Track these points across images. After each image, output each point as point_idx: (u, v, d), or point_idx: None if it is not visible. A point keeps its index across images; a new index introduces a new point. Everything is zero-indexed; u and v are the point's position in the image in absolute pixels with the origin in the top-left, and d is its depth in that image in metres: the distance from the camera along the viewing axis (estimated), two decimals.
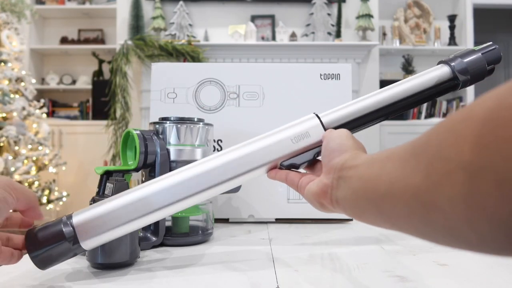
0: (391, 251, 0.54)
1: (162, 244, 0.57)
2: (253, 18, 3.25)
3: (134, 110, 3.05)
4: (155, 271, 0.46)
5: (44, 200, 2.68)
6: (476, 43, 3.25)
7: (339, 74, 0.75)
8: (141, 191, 0.42)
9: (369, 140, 3.04)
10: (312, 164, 0.45)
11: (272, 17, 3.27)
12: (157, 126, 0.59)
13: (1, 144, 2.45)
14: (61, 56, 3.65)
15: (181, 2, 3.14)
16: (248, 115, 0.74)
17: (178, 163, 0.57)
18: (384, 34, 3.36)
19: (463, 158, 0.19)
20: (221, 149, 0.74)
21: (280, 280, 0.43)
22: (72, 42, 3.54)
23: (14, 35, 2.69)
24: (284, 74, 0.75)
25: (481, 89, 3.10)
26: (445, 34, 3.39)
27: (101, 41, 3.56)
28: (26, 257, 0.40)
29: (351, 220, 0.73)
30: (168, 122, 0.58)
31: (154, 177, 0.44)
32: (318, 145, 0.44)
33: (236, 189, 0.56)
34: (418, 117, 3.37)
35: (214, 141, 0.74)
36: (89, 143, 3.21)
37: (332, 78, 0.75)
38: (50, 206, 2.74)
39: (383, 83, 3.11)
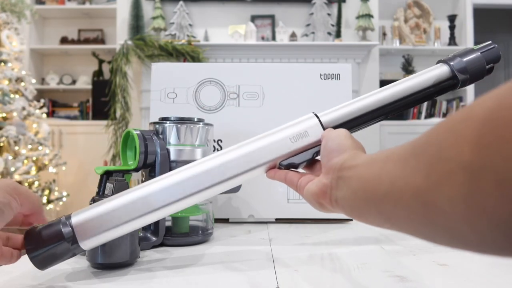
0: (391, 251, 0.54)
1: (162, 244, 0.57)
2: (253, 18, 3.25)
3: (134, 110, 3.05)
4: (155, 271, 0.46)
5: (44, 200, 2.68)
6: (476, 43, 3.24)
7: (339, 74, 0.75)
8: (140, 191, 0.42)
9: (369, 140, 3.04)
10: (311, 164, 0.45)
11: (272, 17, 3.27)
12: (157, 126, 0.59)
13: (1, 144, 2.45)
14: (61, 56, 3.65)
15: (181, 2, 3.14)
16: (248, 115, 0.74)
17: (178, 163, 0.57)
18: (384, 34, 3.36)
19: (463, 158, 0.19)
20: (221, 149, 0.74)
21: (280, 280, 0.43)
22: (72, 42, 3.54)
23: (14, 35, 2.69)
24: (284, 74, 0.75)
25: (481, 89, 3.10)
26: (445, 34, 3.39)
27: (101, 41, 3.56)
28: (26, 257, 0.40)
29: (351, 220, 0.73)
30: (168, 122, 0.58)
31: (154, 177, 0.44)
32: (317, 144, 0.44)
33: (236, 189, 0.56)
34: (418, 117, 3.37)
35: (214, 141, 0.74)
36: (89, 143, 3.21)
37: (332, 78, 0.75)
38: (50, 206, 2.74)
39: (383, 83, 3.11)
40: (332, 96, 0.74)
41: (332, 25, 3.18)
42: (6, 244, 0.39)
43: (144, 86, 3.09)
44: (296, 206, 0.73)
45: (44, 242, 0.40)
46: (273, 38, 3.22)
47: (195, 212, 0.60)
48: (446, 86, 0.46)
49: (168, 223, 0.60)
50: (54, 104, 3.60)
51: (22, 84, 2.65)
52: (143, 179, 0.62)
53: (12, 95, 2.54)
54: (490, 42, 0.46)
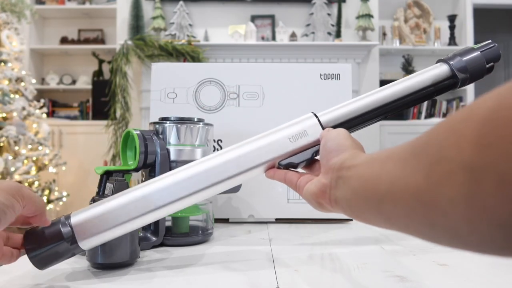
0: (391, 251, 0.54)
1: (162, 244, 0.57)
2: (253, 18, 3.25)
3: (134, 110, 3.05)
4: (155, 271, 0.46)
5: (44, 200, 2.68)
6: (476, 43, 3.23)
7: (339, 74, 0.75)
8: (140, 190, 0.42)
9: (369, 140, 3.04)
10: (311, 163, 0.45)
11: (272, 17, 3.27)
12: (157, 126, 0.59)
13: (1, 144, 2.45)
14: (61, 56, 3.65)
15: (181, 2, 3.14)
16: (248, 115, 0.74)
17: (178, 163, 0.57)
18: (384, 34, 3.36)
19: (463, 158, 0.19)
20: (221, 149, 0.73)
21: (280, 280, 0.43)
22: (72, 42, 3.54)
23: (14, 35, 2.69)
24: (284, 74, 0.75)
25: (481, 89, 3.10)
26: (445, 34, 3.39)
27: (101, 41, 3.56)
28: (26, 257, 0.40)
29: (351, 220, 0.73)
30: (168, 122, 0.58)
31: (154, 177, 0.44)
32: (316, 144, 0.44)
33: (236, 189, 0.56)
34: (418, 117, 3.37)
35: (214, 141, 0.74)
36: (89, 143, 3.21)
37: (332, 78, 0.75)
38: (50, 206, 2.74)
39: (383, 83, 3.10)
40: (332, 96, 0.74)
41: (332, 25, 3.18)
42: (7, 244, 0.39)
43: (144, 86, 3.09)
44: (296, 206, 0.73)
45: (44, 242, 0.40)
46: (273, 38, 3.22)
47: (195, 212, 0.60)
48: (446, 85, 0.46)
49: (168, 223, 0.60)
50: (54, 104, 3.60)
51: (22, 84, 2.65)
52: (143, 179, 0.62)
53: (12, 95, 2.54)
54: (490, 41, 0.46)
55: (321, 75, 0.75)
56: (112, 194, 0.45)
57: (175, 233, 0.59)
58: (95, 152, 3.07)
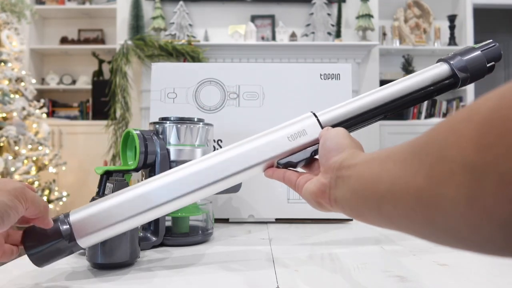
0: (391, 251, 0.54)
1: (162, 244, 0.57)
2: (253, 18, 3.25)
3: (134, 110, 3.05)
4: (155, 271, 0.46)
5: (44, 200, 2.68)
6: (476, 43, 3.23)
7: (339, 74, 0.75)
8: (138, 189, 0.42)
9: (369, 140, 3.04)
10: (310, 163, 0.45)
11: (272, 17, 3.27)
12: (157, 126, 0.59)
13: (1, 144, 2.45)
14: (61, 56, 3.65)
15: (181, 2, 3.14)
16: (248, 115, 0.74)
17: (178, 163, 0.57)
18: (384, 34, 3.36)
19: (464, 158, 0.19)
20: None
21: (280, 280, 0.43)
22: (72, 42, 3.54)
23: (14, 35, 2.69)
24: (284, 74, 0.75)
25: (481, 89, 3.10)
26: (445, 34, 3.39)
27: (101, 41, 3.56)
28: (26, 257, 0.40)
29: (351, 220, 0.73)
30: (168, 122, 0.58)
31: None
32: (315, 143, 0.44)
33: (236, 189, 0.56)
34: (418, 117, 3.37)
35: (214, 141, 0.74)
36: (89, 143, 3.21)
37: (332, 78, 0.75)
38: (50, 206, 2.74)
39: (383, 83, 3.10)
40: (332, 96, 0.74)
41: (332, 25, 3.18)
42: (7, 241, 0.39)
43: (144, 86, 3.09)
44: (296, 206, 0.73)
45: (42, 240, 0.40)
46: (273, 38, 3.22)
47: (195, 212, 0.60)
48: (446, 84, 0.46)
49: (168, 223, 0.60)
50: (54, 104, 3.60)
51: (22, 84, 2.65)
52: (143, 179, 0.62)
53: (12, 95, 2.54)
54: (491, 40, 0.46)
55: (321, 75, 0.75)
56: None
57: (175, 233, 0.59)
58: (95, 152, 3.07)
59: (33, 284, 0.42)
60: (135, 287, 0.42)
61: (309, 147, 0.44)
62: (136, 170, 0.55)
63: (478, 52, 0.45)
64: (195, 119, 0.59)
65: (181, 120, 0.58)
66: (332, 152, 0.38)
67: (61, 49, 3.52)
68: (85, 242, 0.41)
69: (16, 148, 2.49)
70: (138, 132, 0.56)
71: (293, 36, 3.19)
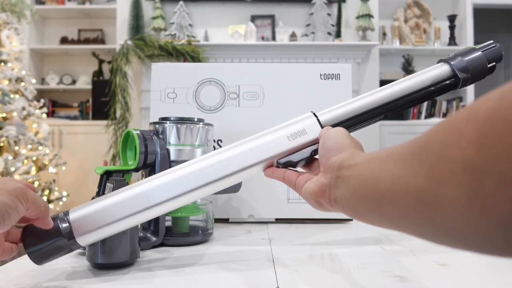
0: (391, 251, 0.54)
1: (162, 244, 0.57)
2: (253, 18, 3.25)
3: (134, 110, 3.05)
4: (155, 271, 0.46)
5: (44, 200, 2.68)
6: (476, 43, 3.23)
7: (339, 74, 0.75)
8: (138, 187, 0.42)
9: (369, 140, 3.04)
10: (310, 162, 0.45)
11: (272, 17, 3.27)
12: (157, 126, 0.59)
13: (1, 144, 2.45)
14: (61, 56, 3.65)
15: (181, 2, 3.14)
16: (248, 115, 0.74)
17: (178, 163, 0.57)
18: (384, 34, 3.36)
19: (465, 158, 0.19)
20: None
21: (280, 280, 0.43)
22: (72, 42, 3.54)
23: (14, 35, 2.69)
24: (284, 74, 0.75)
25: (481, 90, 3.10)
26: (445, 34, 3.39)
27: (101, 41, 3.56)
28: (26, 257, 0.40)
29: (351, 220, 0.73)
30: (168, 122, 0.58)
31: None
32: (315, 142, 0.44)
33: (236, 189, 0.56)
34: (418, 117, 3.37)
35: (214, 141, 0.74)
36: (89, 143, 3.21)
37: (332, 78, 0.75)
38: (50, 206, 2.74)
39: (383, 83, 3.10)
40: (332, 96, 0.74)
41: (332, 25, 3.18)
42: (6, 239, 0.39)
43: (144, 86, 3.09)
44: (296, 206, 0.73)
45: (42, 238, 0.40)
46: (273, 38, 3.22)
47: (195, 212, 0.60)
48: (447, 85, 0.46)
49: (168, 223, 0.60)
50: (54, 104, 3.60)
51: (22, 84, 2.65)
52: (143, 179, 0.62)
53: (12, 95, 2.54)
54: (492, 41, 0.46)
55: (321, 75, 0.75)
56: None
57: (175, 233, 0.59)
58: (95, 152, 3.07)
59: (33, 284, 0.42)
60: (135, 287, 0.42)
61: (308, 146, 0.44)
62: (136, 170, 0.55)
63: (479, 53, 0.45)
64: (195, 119, 0.59)
65: (181, 120, 0.58)
66: (332, 151, 0.38)
67: (61, 49, 3.52)
68: (84, 240, 0.41)
69: (16, 148, 2.49)
70: (138, 132, 0.56)
71: (293, 36, 3.19)
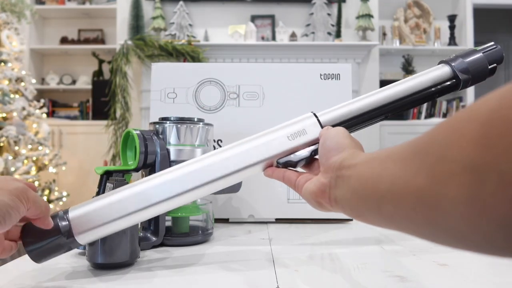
0: (391, 251, 0.54)
1: (162, 244, 0.57)
2: (253, 18, 3.25)
3: (134, 110, 3.05)
4: (155, 271, 0.46)
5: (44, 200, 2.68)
6: (476, 43, 3.25)
7: (339, 74, 0.75)
8: (137, 186, 0.42)
9: (369, 140, 3.04)
10: (309, 162, 0.45)
11: (272, 17, 3.27)
12: (157, 126, 0.59)
13: (1, 144, 2.45)
14: (61, 56, 3.65)
15: (181, 2, 3.14)
16: (248, 115, 0.74)
17: (178, 163, 0.57)
18: (384, 34, 3.36)
19: (465, 158, 0.19)
20: None
21: (280, 280, 0.43)
22: (72, 42, 3.54)
23: (14, 35, 2.69)
24: (284, 74, 0.75)
25: (481, 90, 3.10)
26: (445, 34, 3.39)
27: (101, 41, 3.56)
28: (26, 257, 0.40)
29: (351, 220, 0.73)
30: (168, 122, 0.58)
31: None
32: (315, 142, 0.44)
33: (236, 189, 0.56)
34: (418, 117, 3.37)
35: (214, 141, 0.74)
36: (89, 143, 3.21)
37: (332, 78, 0.75)
38: (50, 206, 2.74)
39: (383, 83, 3.11)
40: (332, 96, 0.74)
41: (332, 25, 3.18)
42: (6, 237, 0.39)
43: (144, 86, 3.09)
44: (296, 206, 0.73)
45: (41, 236, 0.40)
46: (273, 38, 3.22)
47: (195, 212, 0.60)
48: (448, 86, 0.46)
49: (168, 223, 0.60)
50: (54, 104, 3.60)
51: (22, 84, 2.65)
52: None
53: (12, 95, 2.54)
54: (493, 43, 0.46)
55: (321, 75, 0.75)
56: None
57: (175, 233, 0.59)
58: (95, 152, 3.07)
59: (33, 284, 0.42)
60: (135, 287, 0.42)
61: (308, 146, 0.44)
62: (136, 170, 0.55)
63: (479, 54, 0.45)
64: (195, 119, 0.59)
65: (181, 120, 0.58)
66: (332, 151, 0.38)
67: (61, 49, 3.52)
68: (83, 238, 0.41)
69: (16, 148, 2.50)
70: (138, 132, 0.56)
71: (293, 36, 3.19)
